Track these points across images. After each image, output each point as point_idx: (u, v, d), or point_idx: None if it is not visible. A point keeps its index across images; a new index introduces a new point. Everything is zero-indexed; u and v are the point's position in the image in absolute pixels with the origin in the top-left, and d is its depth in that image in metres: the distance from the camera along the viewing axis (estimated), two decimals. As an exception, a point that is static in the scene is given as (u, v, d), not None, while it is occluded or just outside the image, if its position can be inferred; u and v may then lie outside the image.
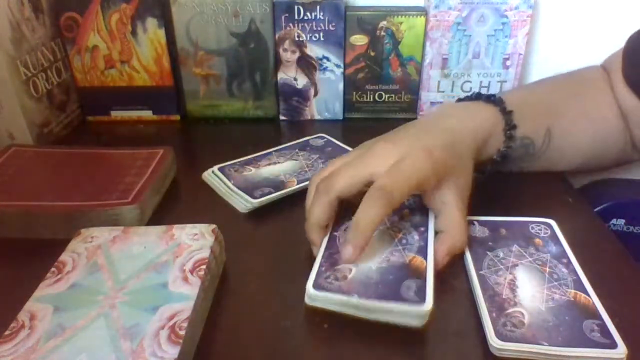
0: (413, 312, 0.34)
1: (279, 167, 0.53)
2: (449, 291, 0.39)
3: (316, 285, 0.36)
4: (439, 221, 0.41)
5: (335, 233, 0.42)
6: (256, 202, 0.47)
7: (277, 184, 0.49)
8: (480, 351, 0.34)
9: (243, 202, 0.47)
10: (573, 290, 0.37)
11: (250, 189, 0.49)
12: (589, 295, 0.36)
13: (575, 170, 0.55)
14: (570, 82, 0.54)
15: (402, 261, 0.38)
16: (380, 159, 0.39)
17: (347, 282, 0.36)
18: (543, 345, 0.32)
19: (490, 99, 0.48)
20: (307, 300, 0.36)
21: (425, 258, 0.38)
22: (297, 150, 0.57)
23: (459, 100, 0.51)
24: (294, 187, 0.49)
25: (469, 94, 0.51)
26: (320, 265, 0.38)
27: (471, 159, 0.43)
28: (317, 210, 0.40)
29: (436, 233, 0.41)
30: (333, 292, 0.35)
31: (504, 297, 0.36)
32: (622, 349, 0.32)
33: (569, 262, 0.39)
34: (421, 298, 0.34)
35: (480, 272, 0.39)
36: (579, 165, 0.53)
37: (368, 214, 0.36)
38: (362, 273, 0.37)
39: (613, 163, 0.55)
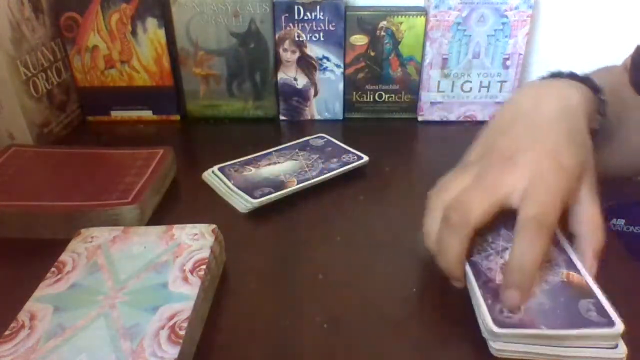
0: (607, 334, 0.32)
1: (279, 167, 0.53)
2: (443, 282, 0.39)
3: (498, 323, 0.33)
4: (574, 223, 0.37)
5: (473, 259, 0.38)
6: (256, 202, 0.47)
7: (277, 184, 0.49)
8: (478, 339, 0.34)
9: (243, 202, 0.47)
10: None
11: (250, 189, 0.49)
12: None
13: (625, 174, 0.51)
14: (618, 77, 0.49)
15: (559, 279, 0.35)
16: (509, 178, 0.35)
17: (524, 313, 0.33)
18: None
19: (576, 77, 0.43)
20: (492, 342, 0.33)
21: (578, 271, 0.36)
22: (297, 150, 0.57)
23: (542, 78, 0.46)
24: (294, 187, 0.49)
25: (545, 75, 0.46)
26: (486, 300, 0.34)
27: (589, 135, 0.39)
28: (457, 245, 0.35)
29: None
30: (517, 328, 0.33)
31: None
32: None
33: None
34: (607, 318, 0.33)
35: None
36: (630, 169, 0.50)
37: (532, 251, 0.33)
38: (531, 300, 0.34)
39: None
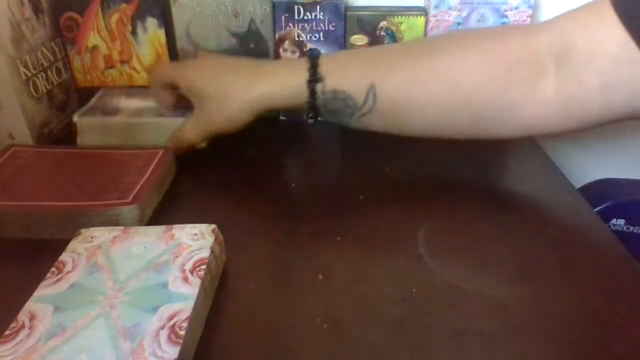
0: None
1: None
2: (443, 282, 0.39)
3: None
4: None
5: None
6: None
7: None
8: (479, 336, 0.34)
9: None
10: None
11: None
12: None
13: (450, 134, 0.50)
14: (431, 40, 0.55)
15: None
16: None
17: None
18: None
19: (310, 54, 0.50)
20: None
21: None
22: None
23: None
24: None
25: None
26: None
27: (243, 113, 0.51)
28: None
29: None
30: None
31: None
32: None
33: None
34: None
35: None
36: (438, 127, 0.50)
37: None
38: None
39: (495, 130, 0.48)
